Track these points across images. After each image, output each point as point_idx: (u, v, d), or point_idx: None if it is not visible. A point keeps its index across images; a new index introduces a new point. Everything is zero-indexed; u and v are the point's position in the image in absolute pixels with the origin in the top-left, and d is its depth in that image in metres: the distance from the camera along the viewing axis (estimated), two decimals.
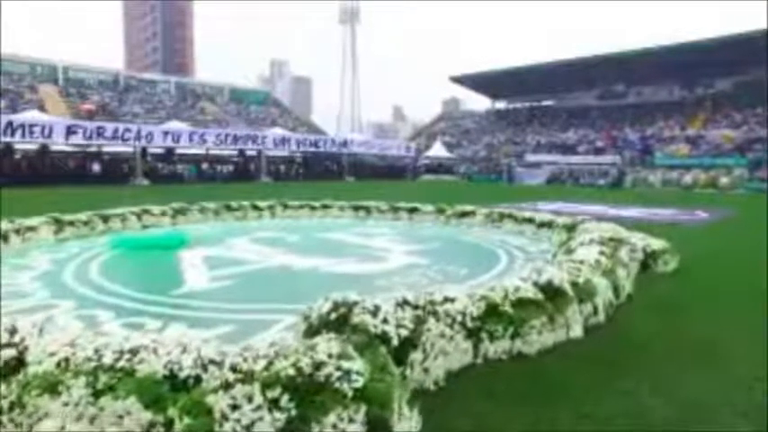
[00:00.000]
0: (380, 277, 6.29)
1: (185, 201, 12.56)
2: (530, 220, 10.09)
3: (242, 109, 58.27)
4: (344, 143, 43.69)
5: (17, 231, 8.38)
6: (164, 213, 11.35)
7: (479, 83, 55.08)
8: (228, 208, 12.59)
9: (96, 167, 32.64)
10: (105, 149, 33.85)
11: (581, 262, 5.35)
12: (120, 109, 48.01)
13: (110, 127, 31.90)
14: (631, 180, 34.06)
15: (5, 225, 8.33)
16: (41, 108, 40.07)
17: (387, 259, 7.51)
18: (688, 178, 33.14)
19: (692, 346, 4.04)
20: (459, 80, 56.06)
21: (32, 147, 32.40)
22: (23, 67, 49.44)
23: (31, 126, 29.01)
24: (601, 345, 4.05)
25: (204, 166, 38.00)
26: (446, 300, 3.81)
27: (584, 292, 4.57)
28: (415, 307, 3.67)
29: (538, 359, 3.75)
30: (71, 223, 9.51)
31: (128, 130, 32.24)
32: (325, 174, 41.76)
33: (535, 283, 4.36)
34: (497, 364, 3.65)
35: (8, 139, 28.45)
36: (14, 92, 44.62)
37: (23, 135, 28.87)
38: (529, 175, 37.68)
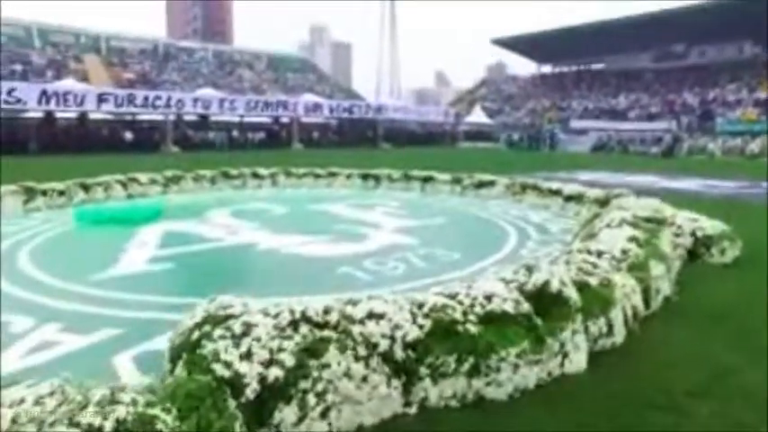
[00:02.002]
0: (348, 263, 5.11)
1: (209, 167, 11.81)
2: (556, 193, 8.55)
3: (279, 76, 57.45)
4: (379, 109, 42.05)
5: None
6: (153, 182, 10.51)
7: (524, 45, 51.60)
8: (226, 176, 11.64)
9: (129, 135, 32.72)
10: (141, 117, 33.89)
11: (599, 253, 3.94)
12: (159, 77, 48.18)
13: (140, 94, 31.67)
14: (687, 148, 30.89)
15: None
16: (85, 77, 40.62)
17: (369, 238, 6.30)
18: (754, 146, 29.63)
19: (759, 392, 2.64)
20: (504, 43, 52.71)
21: (71, 115, 32.84)
22: (69, 37, 50.26)
23: (65, 94, 29.11)
24: (610, 385, 2.72)
25: (235, 133, 37.53)
26: (372, 315, 2.57)
27: (597, 300, 3.20)
28: (318, 325, 2.46)
29: (508, 408, 2.48)
30: (44, 193, 8.77)
31: (158, 97, 31.93)
32: (360, 140, 40.45)
33: (521, 288, 3.03)
34: (442, 415, 2.41)
35: (45, 107, 28.75)
36: (60, 62, 45.49)
37: (58, 104, 29.07)
38: (572, 143, 34.95)
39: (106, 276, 4.72)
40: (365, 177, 11.95)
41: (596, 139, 34.98)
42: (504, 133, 41.71)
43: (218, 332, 2.33)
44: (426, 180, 11.20)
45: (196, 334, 2.41)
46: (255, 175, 11.91)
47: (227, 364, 2.10)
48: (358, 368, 2.31)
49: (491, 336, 2.66)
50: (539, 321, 2.86)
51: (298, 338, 2.35)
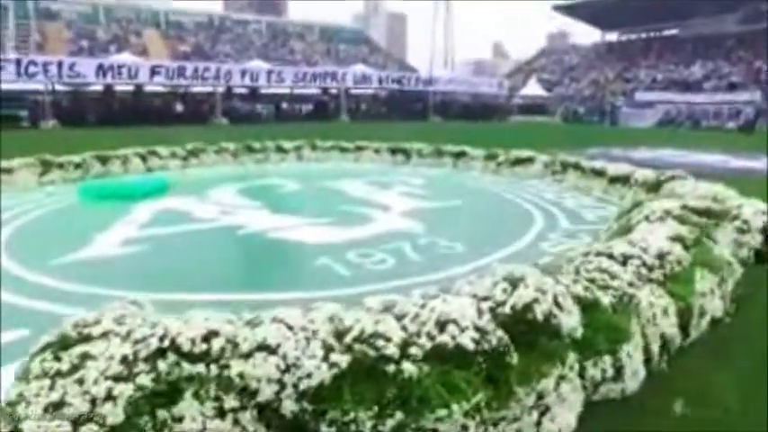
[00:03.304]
0: (332, 252, 4.45)
1: (251, 139, 11.62)
2: (600, 173, 7.42)
3: (331, 47, 56.82)
4: (430, 80, 40.61)
5: None
6: (174, 155, 10.22)
7: (588, 11, 47.75)
8: (250, 149, 11.21)
9: (180, 107, 33.38)
10: (194, 90, 34.43)
11: (625, 258, 3.02)
12: (213, 50, 48.85)
13: (190, 67, 32.05)
14: None
15: None
16: (144, 51, 41.83)
17: (371, 222, 5.60)
18: None
19: None
20: (566, 9, 49.12)
21: (129, 88, 33.85)
22: (131, 13, 51.86)
23: (120, 68, 29.90)
24: None
25: (284, 104, 37.48)
26: (262, 347, 1.88)
27: (606, 329, 2.35)
28: (189, 356, 1.81)
29: None
30: (60, 166, 8.64)
31: (207, 69, 32.18)
32: (409, 113, 39.31)
33: (495, 310, 2.24)
34: None
35: (102, 80, 29.72)
36: (122, 37, 47.04)
37: (113, 77, 29.94)
38: (636, 117, 32.11)
39: (68, 260, 4.32)
40: (394, 152, 11.16)
41: (663, 113, 32.06)
42: (562, 106, 39.23)
43: (46, 365, 1.73)
44: (458, 156, 10.28)
45: (34, 363, 1.82)
46: (279, 149, 11.42)
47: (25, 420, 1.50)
48: (218, 428, 1.64)
49: (435, 381, 1.91)
50: (513, 360, 2.07)
51: (145, 380, 1.71)
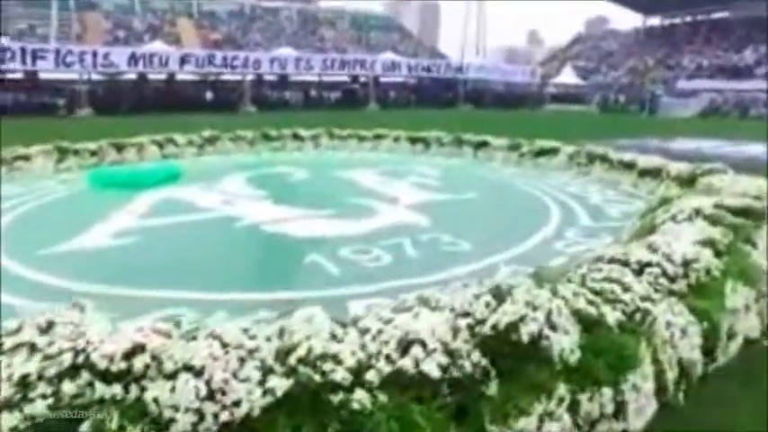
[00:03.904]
0: (326, 248, 4.18)
1: (277, 127, 11.49)
2: (629, 165, 6.88)
3: (362, 34, 56.36)
4: (460, 68, 39.74)
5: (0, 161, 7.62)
6: (190, 143, 10.13)
7: None
8: (266, 137, 11.03)
9: (209, 95, 33.70)
10: (224, 78, 34.69)
11: (641, 266, 2.62)
12: (244, 38, 49.14)
13: (219, 55, 32.28)
14: None
15: None
16: (177, 40, 42.43)
17: (375, 215, 5.30)
18: None
19: None
20: None
21: (162, 77, 34.38)
22: (165, 3, 52.72)
23: (151, 56, 30.36)
24: None
25: (312, 92, 37.40)
26: (188, 368, 1.61)
27: (608, 353, 1.98)
28: (104, 376, 1.55)
29: None
30: (76, 153, 8.64)
31: (235, 57, 32.35)
32: (439, 101, 38.61)
33: (473, 329, 1.90)
34: None
35: (134, 68, 30.24)
36: (157, 27, 47.86)
37: (145, 65, 30.43)
38: (678, 106, 30.43)
39: (55, 251, 4.19)
40: (414, 141, 10.78)
41: (708, 102, 30.35)
42: (597, 95, 37.75)
43: None
44: (480, 145, 9.81)
45: None
46: (296, 137, 11.19)
47: None
48: None
49: (389, 415, 1.60)
50: (489, 391, 1.74)
51: (40, 406, 1.45)
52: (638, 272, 2.61)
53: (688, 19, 46.05)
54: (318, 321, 2.03)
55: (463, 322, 1.95)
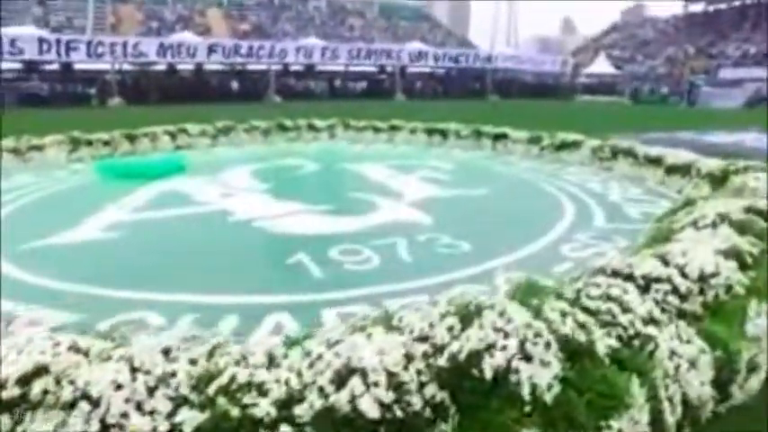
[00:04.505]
0: (314, 247, 3.93)
1: (300, 117, 11.41)
2: (656, 161, 6.38)
3: (390, 24, 55.80)
4: (489, 58, 38.86)
5: (14, 151, 7.66)
6: (203, 133, 10.05)
7: None
8: (282, 128, 10.87)
9: (235, 85, 33.93)
10: (251, 68, 34.83)
11: (648, 281, 2.27)
12: (273, 28, 49.27)
13: (245, 45, 32.42)
14: None
15: (6, 143, 7.67)
16: (207, 30, 42.88)
17: (375, 212, 5.03)
18: None
19: None
20: None
21: (189, 67, 34.77)
22: None
23: (179, 46, 30.71)
24: None
25: (337, 82, 37.24)
26: None
27: (595, 392, 1.66)
28: None
29: None
30: (89, 143, 8.65)
31: (261, 47, 32.40)
32: (467, 92, 37.87)
33: (429, 359, 1.61)
34: None
35: (162, 59, 30.65)
36: (187, 17, 48.46)
37: (173, 55, 30.80)
38: (720, 97, 28.84)
39: (38, 245, 4.08)
40: (430, 133, 10.43)
41: (753, 92, 28.71)
42: (632, 85, 36.30)
43: None
44: (498, 138, 9.40)
45: None
46: (312, 128, 11.00)
47: None
48: None
49: None
50: None
51: None
52: (644, 288, 2.26)
53: (736, 3, 43.61)
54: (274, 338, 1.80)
55: (420, 348, 1.67)
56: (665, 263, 2.48)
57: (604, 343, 1.84)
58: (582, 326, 1.91)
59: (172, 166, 7.41)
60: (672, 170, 6.03)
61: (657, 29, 48.22)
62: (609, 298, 2.11)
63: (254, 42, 33.94)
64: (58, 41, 27.23)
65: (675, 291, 2.25)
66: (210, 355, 1.72)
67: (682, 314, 2.16)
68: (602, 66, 39.19)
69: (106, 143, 8.87)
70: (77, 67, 29.41)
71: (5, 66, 26.93)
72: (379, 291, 3.10)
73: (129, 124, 9.98)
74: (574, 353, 1.79)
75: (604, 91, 36.62)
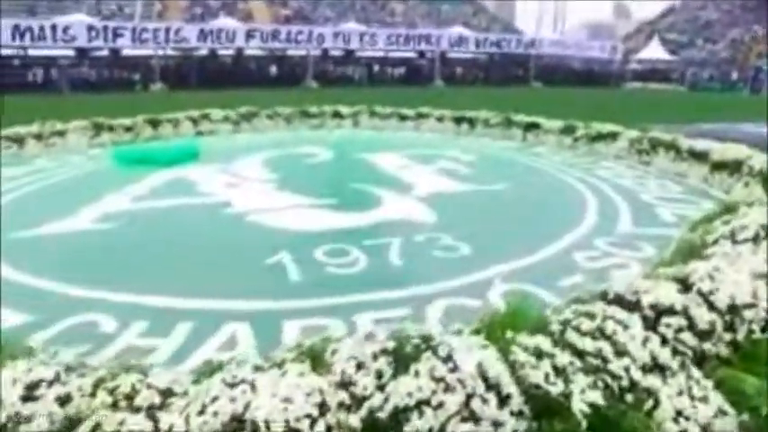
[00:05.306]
0: (300, 245, 3.65)
1: (337, 103, 11.11)
2: (700, 156, 5.71)
3: (432, 9, 54.66)
4: (532, 43, 37.41)
5: (38, 136, 7.73)
6: (226, 119, 9.93)
7: None
8: (305, 114, 10.62)
9: (273, 70, 34.06)
10: (291, 53, 34.85)
11: (659, 312, 1.82)
12: (314, 13, 49.16)
13: (283, 30, 32.43)
14: None
15: (30, 129, 7.75)
16: (250, 16, 43.27)
17: (378, 207, 4.72)
18: None
19: None
20: None
21: (229, 52, 35.14)
22: None
23: (219, 32, 31.04)
24: None
25: (375, 68, 36.79)
26: None
27: None
28: None
29: None
30: (111, 128, 8.66)
31: (300, 32, 32.33)
32: (509, 78, 36.60)
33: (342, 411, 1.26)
34: None
35: (203, 44, 31.07)
36: (231, 4, 49.04)
37: (213, 41, 31.16)
38: None
39: (25, 235, 3.98)
40: (458, 121, 9.92)
41: None
42: (689, 71, 34.08)
43: None
44: (529, 127, 8.80)
45: None
46: (336, 115, 10.69)
47: None
48: None
49: None
50: None
51: None
52: (653, 321, 1.82)
53: None
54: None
55: (338, 397, 1.32)
56: (686, 287, 2.02)
57: (585, 398, 1.44)
58: (560, 372, 1.52)
59: (187, 153, 7.30)
60: (718, 166, 5.35)
61: (722, 9, 44.96)
62: (602, 334, 1.69)
63: (293, 27, 33.92)
64: (105, 28, 28.04)
65: (691, 327, 1.80)
66: (95, 387, 1.43)
67: (700, 358, 1.72)
68: (655, 51, 37.00)
69: (128, 129, 8.86)
70: (124, 53, 30.24)
71: (60, 53, 28.06)
72: (355, 300, 2.78)
73: (166, 109, 9.94)
74: (544, 411, 1.41)
75: (657, 78, 34.65)
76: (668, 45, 38.59)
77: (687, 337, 1.76)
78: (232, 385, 1.39)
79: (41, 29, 26.26)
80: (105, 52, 29.50)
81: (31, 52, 27.65)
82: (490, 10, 66.76)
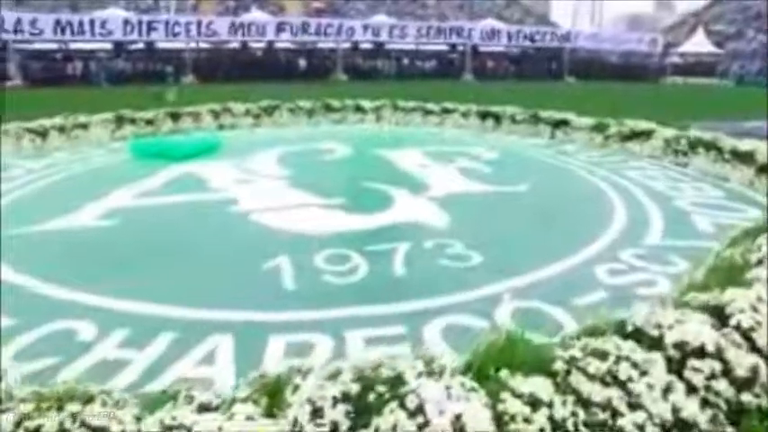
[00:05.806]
0: (301, 248, 3.51)
1: (361, 97, 10.98)
2: (744, 156, 5.24)
3: (464, 1, 53.77)
4: (566, 36, 36.32)
5: (61, 129, 7.80)
6: (247, 113, 9.86)
7: None
8: (328, 108, 10.45)
9: (303, 63, 34.10)
10: (321, 46, 34.84)
11: (682, 356, 1.54)
12: (345, 6, 49.01)
13: (313, 23, 32.42)
14: None
15: (54, 121, 7.83)
16: (282, 9, 43.52)
17: (389, 208, 4.51)
18: None
19: None
20: None
21: (260, 45, 35.37)
22: None
23: (249, 25, 31.26)
24: None
25: (405, 61, 36.42)
26: None
27: None
28: None
29: None
30: (132, 121, 8.69)
31: (329, 25, 32.25)
32: (542, 73, 35.60)
33: None
34: None
35: (233, 37, 31.35)
36: None
37: (243, 34, 31.41)
38: None
39: (26, 232, 3.92)
40: (484, 116, 9.57)
41: None
42: (736, 65, 32.42)
43: None
44: (558, 124, 8.39)
45: None
46: (358, 109, 10.48)
47: None
48: None
49: None
50: None
51: None
52: (679, 362, 1.53)
53: None
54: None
55: None
56: (722, 321, 1.72)
57: None
58: (559, 426, 1.26)
59: (205, 147, 7.24)
60: (765, 169, 4.90)
61: None
62: (615, 379, 1.42)
63: (322, 20, 33.86)
64: (140, 22, 28.59)
65: (728, 372, 1.51)
66: (16, 426, 1.26)
67: (736, 413, 1.43)
68: (699, 44, 35.34)
69: (149, 122, 8.87)
70: (158, 46, 30.80)
71: (98, 46, 28.81)
72: (348, 314, 2.56)
73: (194, 101, 9.91)
74: None
75: (701, 72, 33.09)
76: (714, 37, 36.81)
77: (721, 385, 1.47)
78: (170, 428, 1.20)
79: (81, 23, 26.98)
80: (141, 45, 30.16)
81: (72, 46, 28.46)
82: (524, 2, 65.32)
